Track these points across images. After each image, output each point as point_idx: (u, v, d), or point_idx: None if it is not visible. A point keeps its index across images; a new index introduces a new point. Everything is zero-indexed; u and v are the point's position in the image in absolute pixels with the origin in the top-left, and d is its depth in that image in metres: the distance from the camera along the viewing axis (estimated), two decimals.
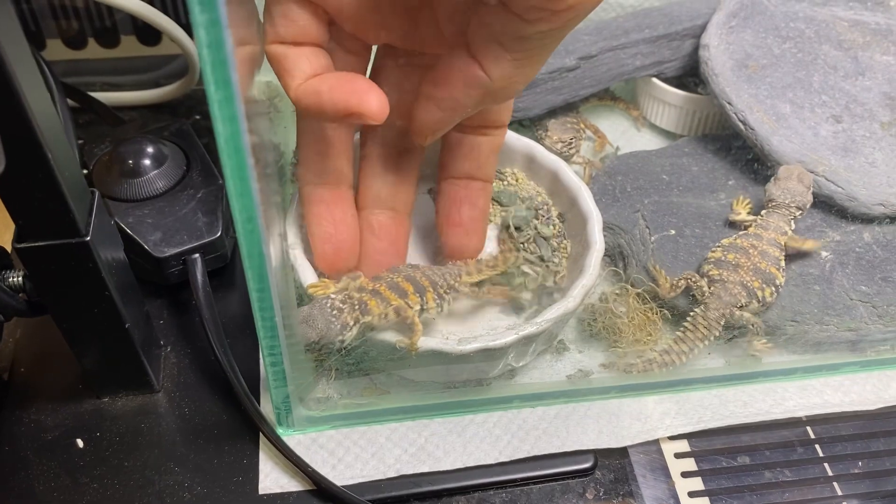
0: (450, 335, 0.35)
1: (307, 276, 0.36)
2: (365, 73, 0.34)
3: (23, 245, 0.30)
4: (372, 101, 0.29)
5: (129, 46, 0.52)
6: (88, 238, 0.31)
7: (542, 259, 0.41)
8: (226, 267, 0.43)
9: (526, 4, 0.26)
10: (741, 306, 0.39)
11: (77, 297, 0.33)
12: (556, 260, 0.42)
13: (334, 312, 0.32)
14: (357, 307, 0.33)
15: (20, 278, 0.33)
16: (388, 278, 0.35)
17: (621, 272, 0.42)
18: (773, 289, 0.39)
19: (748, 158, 0.45)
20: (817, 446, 0.39)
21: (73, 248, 0.31)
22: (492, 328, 0.39)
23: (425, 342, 0.34)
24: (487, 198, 0.38)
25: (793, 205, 0.41)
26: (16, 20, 0.26)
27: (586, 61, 0.48)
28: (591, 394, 0.39)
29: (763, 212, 0.42)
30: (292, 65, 0.31)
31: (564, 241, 0.43)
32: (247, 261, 0.29)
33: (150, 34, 0.52)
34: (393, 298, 0.34)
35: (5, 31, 0.24)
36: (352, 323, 0.32)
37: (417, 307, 0.34)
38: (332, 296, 0.33)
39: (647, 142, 0.51)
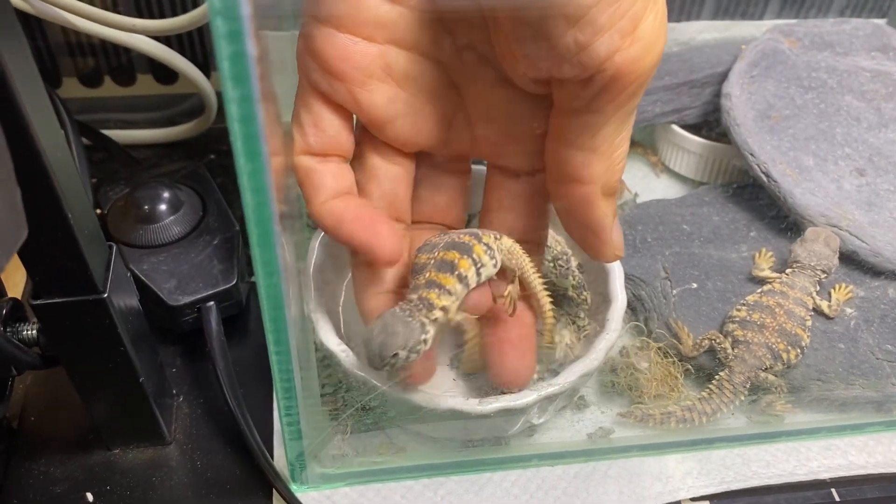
0: (470, 395, 0.34)
1: (329, 338, 0.35)
2: (409, 182, 0.35)
3: (39, 302, 0.30)
4: (386, 246, 0.30)
5: (146, 85, 0.52)
6: (105, 295, 0.30)
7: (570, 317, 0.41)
8: (240, 314, 0.42)
9: (585, 95, 0.27)
10: (766, 368, 0.38)
11: (91, 350, 0.32)
12: (582, 315, 0.41)
13: (406, 316, 0.30)
14: (422, 305, 0.31)
15: (34, 331, 0.33)
16: (431, 260, 0.32)
17: (642, 325, 0.41)
18: (799, 350, 0.38)
19: (770, 210, 0.45)
20: None
21: (90, 305, 0.30)
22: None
23: (445, 402, 0.33)
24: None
25: (818, 268, 0.40)
26: (31, 61, 0.26)
27: None
28: (611, 453, 0.38)
29: (788, 270, 0.41)
30: (319, 181, 0.31)
31: (584, 293, 0.42)
32: (268, 324, 0.28)
33: (166, 73, 0.52)
34: (447, 280, 0.31)
35: (21, 73, 0.24)
36: (427, 321, 0.30)
37: (472, 271, 0.32)
38: (395, 308, 0.31)
39: (666, 188, 0.51)
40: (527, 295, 0.36)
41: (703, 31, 0.53)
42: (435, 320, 0.31)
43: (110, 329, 0.31)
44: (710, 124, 0.49)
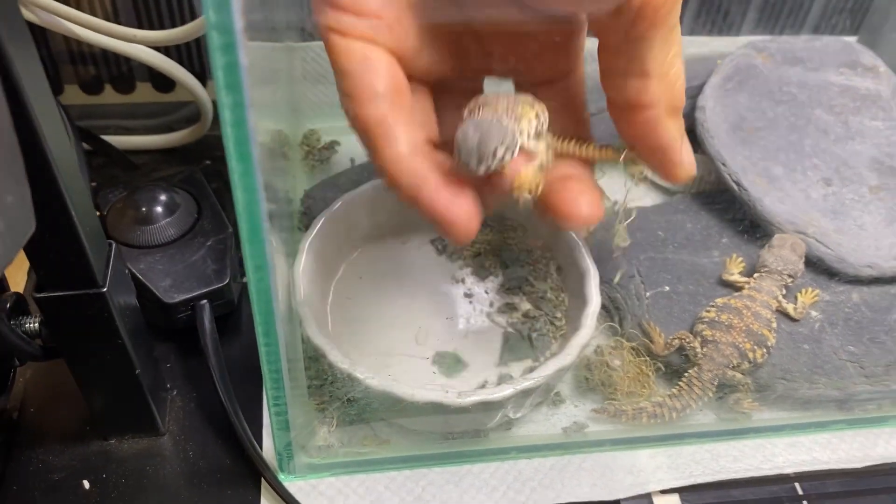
0: (449, 389, 0.36)
1: (316, 333, 0.37)
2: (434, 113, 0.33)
3: (42, 295, 0.32)
4: (462, 225, 0.29)
5: (145, 92, 0.54)
6: (105, 289, 0.32)
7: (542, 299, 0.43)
8: (232, 313, 0.44)
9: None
10: (733, 367, 0.40)
11: (91, 343, 0.34)
12: (559, 315, 0.43)
13: (494, 121, 0.29)
14: (510, 108, 0.29)
15: (36, 324, 0.34)
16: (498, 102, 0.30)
17: (617, 326, 0.43)
18: (765, 350, 0.40)
19: (741, 217, 0.47)
20: (805, 503, 0.40)
21: (91, 298, 0.32)
22: (490, 381, 0.40)
23: (425, 395, 0.35)
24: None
25: (785, 272, 0.42)
26: (41, 71, 0.27)
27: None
28: (585, 446, 0.40)
29: (756, 275, 0.43)
30: (392, 130, 0.28)
31: (562, 295, 0.44)
32: (257, 317, 0.30)
33: (164, 82, 0.54)
34: (525, 109, 0.30)
35: (32, 82, 0.26)
36: (515, 125, 0.29)
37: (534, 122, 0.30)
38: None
39: (644, 195, 0.53)
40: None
41: (683, 46, 0.55)
42: (536, 125, 0.30)
43: (109, 322, 0.33)
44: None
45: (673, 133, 0.31)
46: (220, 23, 0.21)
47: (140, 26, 0.50)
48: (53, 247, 0.30)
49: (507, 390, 0.36)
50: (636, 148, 0.32)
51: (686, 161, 0.32)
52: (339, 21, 0.28)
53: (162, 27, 0.51)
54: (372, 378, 0.35)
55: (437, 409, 0.36)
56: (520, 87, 0.34)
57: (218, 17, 0.21)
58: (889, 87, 0.50)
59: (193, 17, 0.50)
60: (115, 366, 0.35)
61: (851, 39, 0.56)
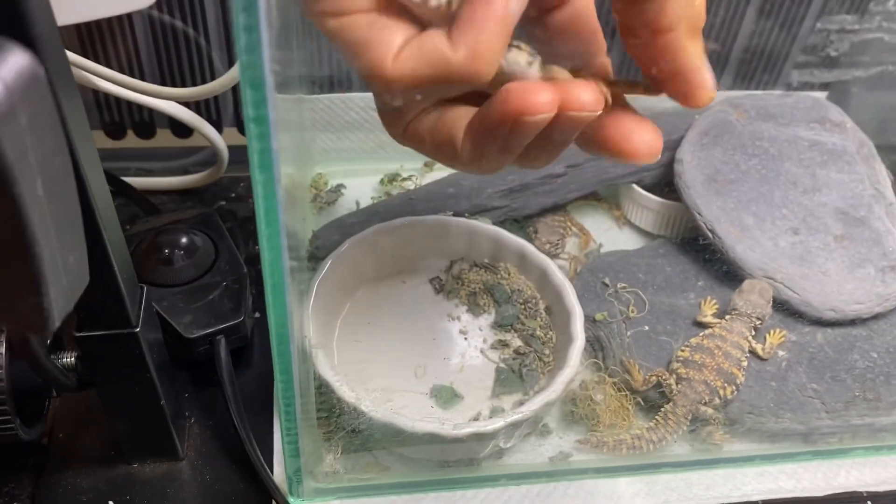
0: (445, 421, 0.40)
1: (325, 368, 0.40)
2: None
3: (82, 334, 0.35)
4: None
5: (164, 138, 0.58)
6: (138, 329, 0.36)
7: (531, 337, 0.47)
8: (245, 347, 0.47)
9: None
10: (705, 403, 0.44)
11: (122, 376, 0.38)
12: (547, 352, 0.47)
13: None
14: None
15: (73, 359, 0.38)
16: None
17: (600, 362, 0.47)
18: (734, 387, 0.44)
19: (715, 262, 0.51)
20: None
21: (125, 337, 0.36)
22: (482, 414, 0.44)
23: (423, 426, 0.39)
24: None
25: (754, 315, 0.46)
26: (90, 133, 0.31)
27: (573, 169, 0.54)
28: (570, 474, 0.44)
29: (727, 317, 0.47)
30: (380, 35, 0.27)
31: (550, 333, 0.48)
32: (276, 357, 0.33)
33: (182, 128, 0.58)
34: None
35: (84, 146, 0.29)
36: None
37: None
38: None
39: (628, 239, 0.57)
40: None
41: (663, 99, 0.59)
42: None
43: (140, 358, 0.37)
44: (666, 185, 0.55)
45: (695, 55, 0.28)
46: (253, 79, 0.25)
47: (161, 78, 0.54)
48: (95, 292, 0.34)
49: (498, 423, 0.40)
50: (656, 75, 0.29)
51: (709, 82, 0.29)
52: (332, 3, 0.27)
53: (182, 80, 0.55)
54: (375, 411, 0.39)
55: (434, 439, 0.40)
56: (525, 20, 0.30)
57: (256, 111, 0.25)
58: (854, 143, 0.55)
59: (213, 73, 0.54)
60: (143, 396, 0.39)
61: (821, 95, 0.61)
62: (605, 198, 0.59)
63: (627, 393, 0.45)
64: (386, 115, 0.33)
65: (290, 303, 0.31)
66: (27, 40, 0.21)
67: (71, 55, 0.47)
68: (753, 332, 0.47)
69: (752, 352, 0.46)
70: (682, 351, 0.45)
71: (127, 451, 0.42)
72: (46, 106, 0.22)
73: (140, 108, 0.56)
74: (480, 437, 0.40)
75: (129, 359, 0.37)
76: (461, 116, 0.30)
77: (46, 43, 0.22)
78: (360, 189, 0.58)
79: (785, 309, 0.48)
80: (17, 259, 0.24)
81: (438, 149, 0.31)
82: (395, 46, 0.27)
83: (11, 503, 0.41)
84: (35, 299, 0.25)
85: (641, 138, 0.30)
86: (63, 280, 0.26)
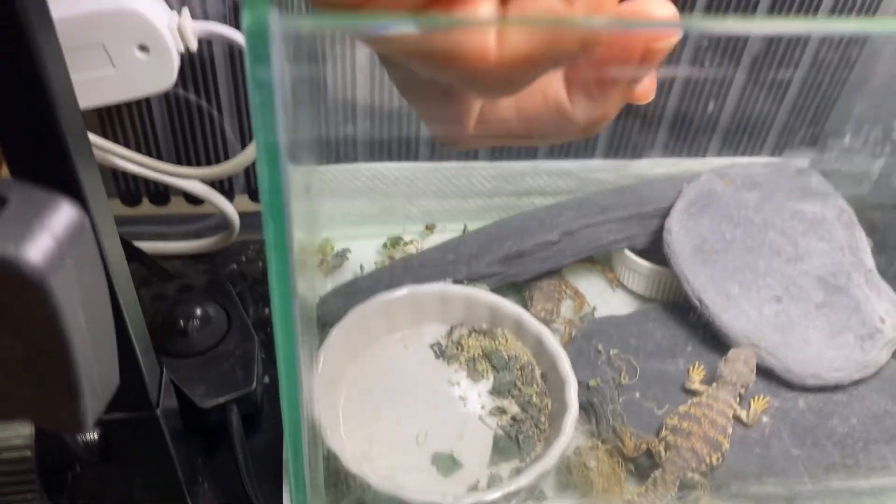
0: (446, 493, 0.42)
1: (332, 437, 0.43)
2: None
3: (105, 417, 0.38)
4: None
5: (178, 205, 0.61)
6: (159, 410, 0.38)
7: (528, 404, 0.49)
8: (255, 412, 0.50)
9: None
10: (692, 469, 0.46)
11: (141, 451, 0.40)
12: (543, 419, 0.49)
13: None
14: None
15: (95, 436, 0.40)
16: None
17: (594, 429, 0.49)
18: (720, 454, 0.47)
19: (703, 328, 0.53)
20: None
21: (146, 420, 0.38)
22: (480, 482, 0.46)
23: (426, 498, 0.41)
24: None
25: (738, 383, 0.49)
26: (118, 242, 0.34)
27: (568, 236, 0.57)
28: None
29: (714, 384, 0.49)
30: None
31: (546, 399, 0.50)
32: (287, 437, 0.36)
33: (195, 197, 0.61)
34: None
35: (113, 255, 0.32)
36: None
37: None
38: None
39: (620, 301, 0.59)
40: None
41: (654, 166, 0.62)
42: None
43: (159, 435, 0.39)
44: (657, 251, 0.58)
45: None
46: (276, 231, 0.27)
47: (176, 148, 0.57)
48: (120, 381, 0.36)
49: (496, 493, 0.42)
50: None
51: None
52: None
53: (196, 150, 0.58)
54: (381, 484, 0.41)
55: None
56: None
57: (275, 225, 0.28)
58: (834, 211, 0.57)
59: (225, 145, 0.57)
60: (160, 467, 0.41)
61: (804, 163, 0.63)
62: (598, 261, 0.61)
63: (619, 459, 0.48)
64: (442, 113, 0.28)
65: (301, 372, 0.33)
66: (74, 191, 0.24)
67: (92, 137, 0.50)
68: (738, 400, 0.49)
69: (737, 418, 0.49)
70: (671, 419, 0.48)
71: None
72: (90, 248, 0.24)
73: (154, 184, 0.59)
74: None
75: (149, 436, 0.39)
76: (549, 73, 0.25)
77: (91, 192, 0.25)
78: (365, 252, 0.61)
79: (768, 375, 0.51)
80: (58, 375, 0.26)
81: (535, 120, 0.27)
82: (489, 28, 0.21)
83: None
84: (72, 405, 0.28)
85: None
86: (97, 387, 0.29)
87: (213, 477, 0.48)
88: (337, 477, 0.45)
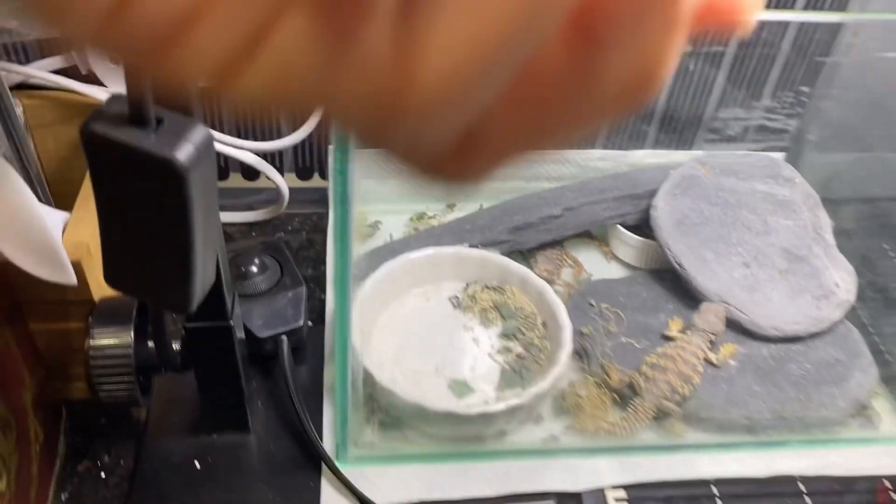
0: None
1: (368, 362, 0.52)
2: None
3: (190, 325, 0.47)
4: None
5: (235, 180, 0.71)
6: (231, 322, 0.48)
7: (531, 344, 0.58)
8: (301, 346, 0.59)
9: None
10: (667, 399, 0.55)
11: (216, 360, 0.50)
12: (543, 356, 0.58)
13: None
14: None
15: (178, 345, 0.50)
16: None
17: (585, 367, 0.58)
18: (691, 387, 0.55)
19: (682, 290, 0.62)
20: (718, 500, 0.54)
21: (221, 329, 0.48)
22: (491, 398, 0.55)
23: (444, 405, 0.50)
24: None
25: (709, 331, 0.58)
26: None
27: (569, 211, 0.66)
28: (558, 453, 0.55)
29: (688, 332, 0.58)
30: None
31: (545, 342, 0.59)
32: (337, 354, 0.45)
33: (250, 172, 0.71)
34: None
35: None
36: None
37: None
38: None
39: (613, 270, 0.68)
40: None
41: (647, 157, 0.72)
42: None
43: (230, 346, 0.49)
44: (645, 227, 0.67)
45: None
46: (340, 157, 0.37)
47: (238, 132, 0.67)
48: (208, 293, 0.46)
49: (500, 406, 0.51)
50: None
51: None
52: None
53: (253, 134, 0.68)
54: (406, 393, 0.51)
55: (451, 417, 0.51)
56: None
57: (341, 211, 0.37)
58: (801, 195, 0.66)
59: (279, 130, 0.67)
60: (228, 378, 0.51)
61: (779, 156, 0.73)
62: (595, 236, 0.70)
63: (606, 390, 0.56)
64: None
65: (350, 308, 0.43)
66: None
67: None
68: (710, 345, 0.58)
69: (708, 361, 0.58)
70: (650, 357, 0.57)
71: (209, 423, 0.54)
72: (212, 160, 0.34)
73: (218, 157, 0.69)
74: (487, 418, 0.52)
75: (222, 346, 0.49)
76: None
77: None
78: (394, 224, 0.70)
79: (737, 328, 0.60)
80: (180, 262, 0.36)
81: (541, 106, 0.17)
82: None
83: (119, 461, 0.53)
84: (185, 288, 0.37)
85: None
86: (201, 281, 0.38)
87: (266, 397, 0.57)
88: (370, 393, 0.54)
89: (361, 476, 0.52)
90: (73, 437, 0.54)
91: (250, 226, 0.70)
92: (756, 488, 0.55)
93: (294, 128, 0.65)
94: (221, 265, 0.45)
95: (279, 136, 0.67)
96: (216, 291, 0.46)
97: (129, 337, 0.48)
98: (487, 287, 0.63)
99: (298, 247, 0.69)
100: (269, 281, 0.59)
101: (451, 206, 0.72)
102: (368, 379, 0.53)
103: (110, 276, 0.38)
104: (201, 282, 0.38)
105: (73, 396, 0.55)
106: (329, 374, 0.58)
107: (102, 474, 0.52)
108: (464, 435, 0.54)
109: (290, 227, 0.70)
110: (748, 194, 0.66)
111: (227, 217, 0.69)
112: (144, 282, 0.38)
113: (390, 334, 0.60)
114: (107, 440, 0.54)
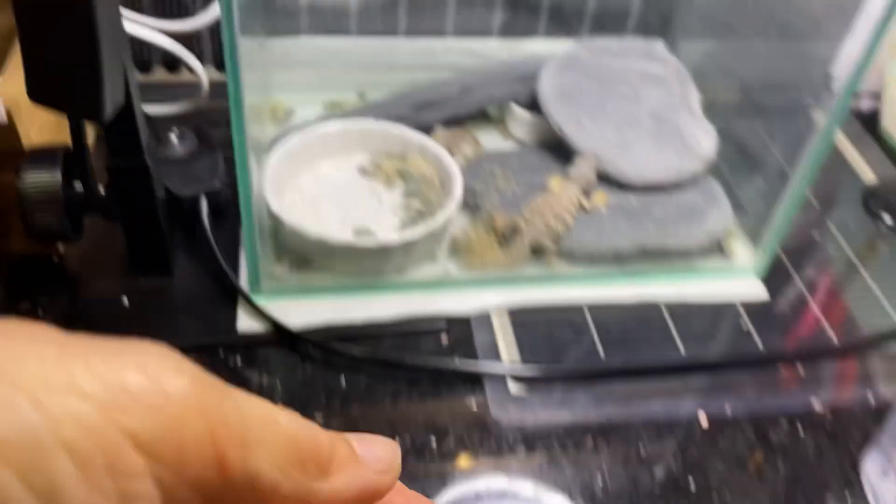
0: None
1: (276, 206, 0.59)
2: None
3: (112, 163, 0.53)
4: None
5: (159, 74, 0.77)
6: (147, 160, 0.54)
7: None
8: (220, 211, 0.65)
9: None
10: (544, 234, 0.62)
11: (137, 200, 0.56)
12: (438, 211, 0.65)
13: None
14: None
15: (102, 190, 0.56)
16: None
17: (476, 217, 0.66)
18: (565, 227, 0.63)
19: (565, 152, 0.70)
20: (591, 322, 0.62)
21: (140, 168, 0.54)
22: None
23: (344, 238, 0.57)
24: None
25: (582, 180, 0.65)
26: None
27: (467, 92, 0.73)
28: (452, 285, 0.62)
29: (565, 182, 0.66)
30: None
31: (442, 198, 0.66)
32: (242, 196, 0.52)
33: (172, 63, 0.77)
34: None
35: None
36: None
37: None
38: None
39: (509, 147, 0.76)
40: None
41: (540, 45, 0.79)
42: None
43: (148, 185, 0.55)
44: (536, 106, 0.74)
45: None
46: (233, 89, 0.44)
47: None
48: (118, 125, 0.52)
49: (395, 237, 0.58)
50: None
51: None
52: None
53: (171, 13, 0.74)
54: (310, 231, 0.57)
55: (353, 252, 0.58)
56: None
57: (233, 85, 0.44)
58: (673, 72, 0.74)
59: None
60: (150, 220, 0.57)
61: (659, 42, 0.80)
62: (493, 118, 0.78)
63: (493, 234, 0.64)
64: None
65: (251, 162, 0.50)
66: None
67: None
68: (584, 194, 0.66)
69: (582, 207, 0.65)
70: (531, 203, 0.64)
71: (135, 266, 0.60)
72: None
73: (140, 46, 0.75)
74: (385, 252, 0.59)
75: (141, 186, 0.55)
76: None
77: None
78: (308, 111, 0.77)
79: (609, 181, 0.67)
80: (89, 66, 0.42)
81: None
82: None
83: (55, 303, 0.59)
84: (96, 94, 0.43)
85: None
86: (110, 89, 0.45)
87: (188, 251, 0.63)
88: (278, 235, 0.61)
89: (274, 308, 0.59)
90: (10, 286, 0.60)
91: (171, 120, 0.76)
92: (624, 312, 0.63)
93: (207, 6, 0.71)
94: (132, 89, 0.51)
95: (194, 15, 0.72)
96: (129, 125, 0.52)
97: (57, 175, 0.54)
98: (391, 156, 0.70)
99: (219, 140, 0.75)
100: (187, 147, 0.65)
101: (361, 96, 0.79)
102: (278, 224, 0.59)
103: (33, 91, 0.45)
104: (111, 92, 0.45)
105: (11, 250, 0.61)
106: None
107: (40, 312, 0.58)
108: (365, 270, 0.61)
109: (212, 119, 0.76)
110: (624, 71, 0.74)
111: (149, 109, 0.75)
112: (61, 92, 0.44)
113: (301, 196, 0.66)
114: (43, 285, 0.60)
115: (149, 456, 0.16)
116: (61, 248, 0.62)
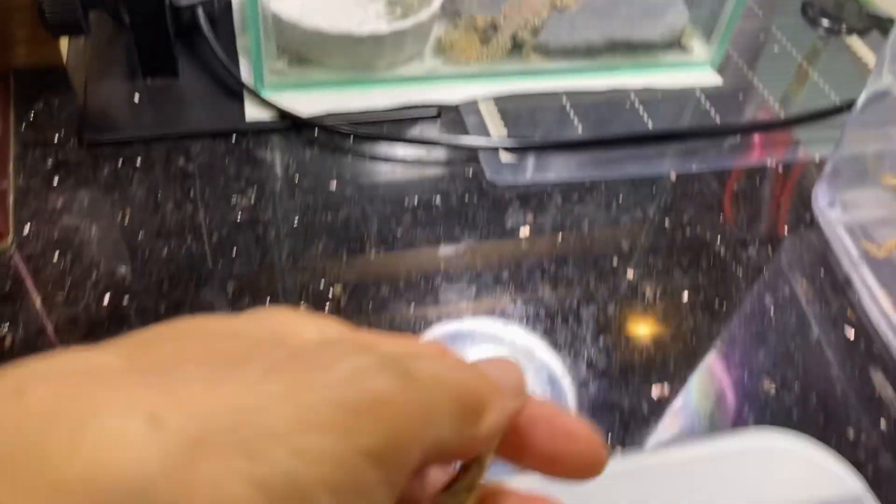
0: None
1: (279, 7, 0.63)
2: None
3: None
4: None
5: None
6: None
7: None
8: (216, 20, 0.69)
9: None
10: (522, 28, 0.68)
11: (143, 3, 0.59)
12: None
13: None
14: None
15: None
16: None
17: (458, 22, 0.71)
18: (541, 21, 0.69)
19: None
20: (569, 106, 0.68)
21: None
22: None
23: (339, 27, 0.62)
24: None
25: None
26: None
27: None
28: (440, 79, 0.67)
29: None
30: None
31: (425, 4, 0.71)
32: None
33: None
34: None
35: None
36: None
37: None
38: None
39: None
40: None
41: None
42: None
43: None
44: None
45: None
46: None
47: None
48: None
49: (385, 26, 0.63)
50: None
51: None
52: None
53: None
54: (307, 24, 0.62)
55: (347, 41, 0.63)
56: None
57: None
58: None
59: None
60: (156, 20, 0.60)
61: None
62: None
63: (474, 33, 0.69)
64: None
65: None
66: None
67: None
68: None
69: (554, 4, 0.71)
70: (508, 2, 0.69)
71: (144, 68, 0.64)
72: None
73: None
74: (377, 41, 0.63)
75: None
76: None
77: None
78: None
79: None
80: None
81: None
82: None
83: (68, 100, 0.62)
84: None
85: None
86: None
87: (190, 58, 0.67)
88: (280, 33, 0.65)
89: (276, 98, 0.63)
90: (22, 92, 0.63)
91: None
92: (598, 97, 0.69)
93: None
94: None
95: None
96: None
97: None
98: None
99: None
100: None
101: None
102: (276, 22, 0.63)
103: None
104: None
105: (16, 64, 0.64)
106: (242, 41, 0.69)
107: (56, 109, 0.62)
108: (359, 61, 0.66)
109: None
110: None
111: None
112: None
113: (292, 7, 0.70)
114: (55, 89, 0.63)
115: (379, 467, 0.16)
116: (65, 54, 0.65)
